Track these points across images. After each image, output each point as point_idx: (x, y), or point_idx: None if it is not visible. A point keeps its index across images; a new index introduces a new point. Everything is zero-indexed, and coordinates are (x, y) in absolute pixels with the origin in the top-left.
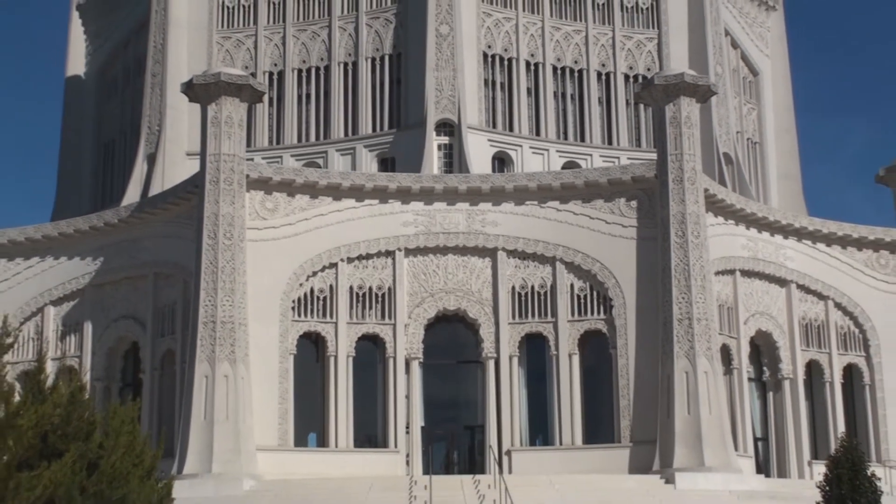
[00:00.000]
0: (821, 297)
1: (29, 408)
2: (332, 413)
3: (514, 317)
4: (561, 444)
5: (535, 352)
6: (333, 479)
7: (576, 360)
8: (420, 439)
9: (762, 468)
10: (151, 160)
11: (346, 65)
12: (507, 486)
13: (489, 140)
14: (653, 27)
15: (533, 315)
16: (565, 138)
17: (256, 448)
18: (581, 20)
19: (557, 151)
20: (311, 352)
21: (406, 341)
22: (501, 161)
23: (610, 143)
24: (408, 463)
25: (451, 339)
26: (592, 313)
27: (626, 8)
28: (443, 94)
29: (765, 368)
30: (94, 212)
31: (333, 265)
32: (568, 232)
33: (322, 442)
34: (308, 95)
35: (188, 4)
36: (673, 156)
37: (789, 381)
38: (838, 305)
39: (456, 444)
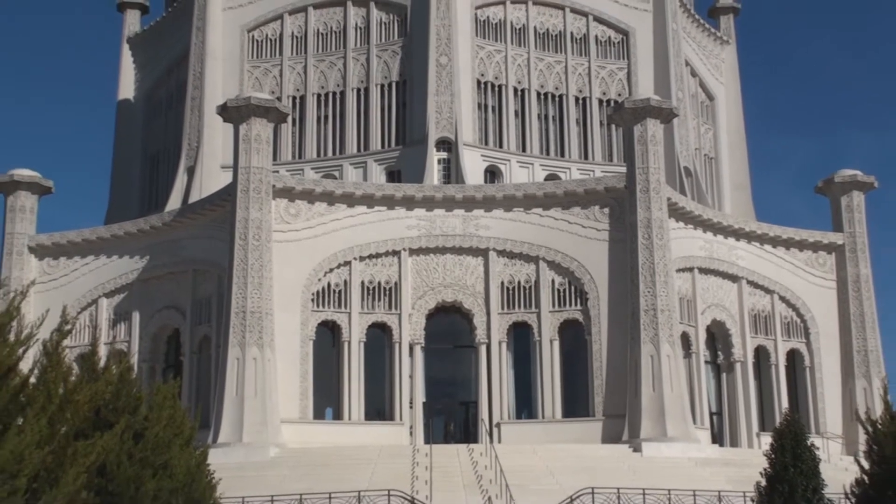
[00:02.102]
0: (767, 291)
1: (84, 385)
2: (346, 390)
3: (502, 308)
4: (543, 417)
5: (521, 338)
6: (347, 447)
7: (556, 345)
8: (422, 413)
9: (717, 438)
10: (191, 172)
11: (358, 90)
12: (497, 453)
13: (482, 155)
14: (623, 58)
15: (519, 306)
16: (547, 154)
17: (281, 420)
18: (561, 52)
19: (541, 165)
20: (328, 338)
21: (410, 329)
22: (492, 173)
23: (586, 158)
24: (411, 434)
25: (449, 327)
26: (570, 305)
27: (600, 42)
28: (442, 116)
29: (719, 353)
30: (141, 216)
31: (347, 263)
32: (550, 235)
33: (337, 415)
34: (326, 116)
35: (223, 38)
36: (640, 169)
37: (740, 364)
38: (783, 298)
39: (453, 417)
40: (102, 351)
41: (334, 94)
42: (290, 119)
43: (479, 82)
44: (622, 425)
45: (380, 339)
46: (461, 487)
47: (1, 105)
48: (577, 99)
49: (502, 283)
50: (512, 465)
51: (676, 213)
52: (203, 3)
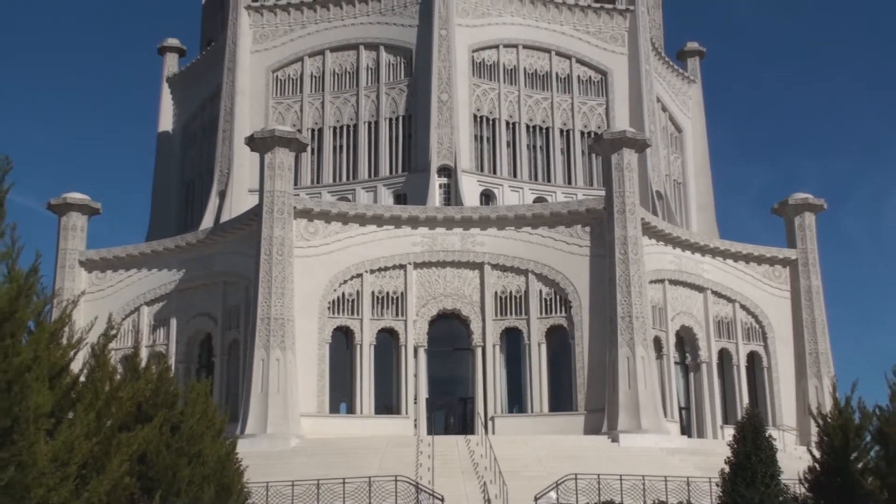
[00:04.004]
0: (730, 300)
1: (128, 383)
2: (358, 387)
3: (496, 315)
4: (532, 412)
5: (513, 341)
6: (359, 438)
7: (543, 347)
8: (425, 408)
9: (685, 431)
10: (222, 195)
11: (369, 123)
12: (491, 443)
13: (478, 180)
14: (602, 95)
15: (511, 313)
16: (536, 179)
17: (300, 414)
18: (548, 90)
19: (530, 189)
20: (342, 341)
21: (414, 333)
22: (487, 196)
23: (570, 183)
24: (416, 426)
25: (449, 332)
26: (556, 312)
27: (582, 81)
28: (443, 146)
29: (687, 354)
30: (178, 234)
31: (359, 275)
32: (538, 250)
33: (350, 409)
34: (341, 146)
35: (250, 78)
36: (617, 193)
37: (706, 365)
38: (743, 307)
39: (452, 411)
40: (144, 353)
41: (348, 126)
42: (309, 149)
43: (475, 116)
44: (602, 419)
45: (388, 343)
46: (460, 473)
47: (56, 135)
48: (561, 131)
49: (496, 293)
50: (504, 454)
51: (649, 231)
52: (233, 48)
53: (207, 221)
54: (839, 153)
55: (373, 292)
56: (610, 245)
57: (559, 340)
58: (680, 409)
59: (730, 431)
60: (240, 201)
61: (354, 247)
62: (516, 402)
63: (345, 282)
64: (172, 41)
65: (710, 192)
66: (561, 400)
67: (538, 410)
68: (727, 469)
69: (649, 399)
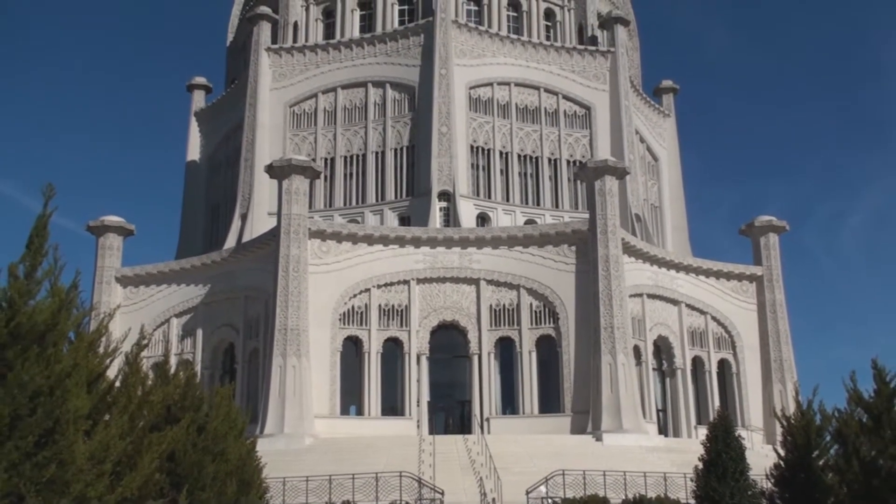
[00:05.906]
0: (702, 312)
1: (158, 388)
2: (366, 391)
3: (491, 325)
4: (524, 413)
5: (506, 349)
6: (367, 437)
7: (534, 355)
8: (427, 410)
9: (662, 430)
10: (244, 218)
11: (377, 153)
12: (487, 442)
13: (474, 204)
14: (586, 128)
15: (504, 324)
16: (527, 203)
17: (314, 416)
18: (537, 123)
19: (521, 212)
20: (352, 349)
21: (417, 342)
22: (483, 218)
23: (557, 206)
24: (418, 426)
25: (448, 341)
26: (545, 323)
27: (568, 115)
28: (443, 174)
29: (664, 361)
30: (204, 253)
31: (367, 290)
32: (528, 268)
33: (359, 411)
34: (351, 174)
35: (270, 112)
36: (600, 216)
37: (681, 371)
38: (714, 318)
39: (451, 413)
40: (173, 361)
41: (357, 156)
42: (322, 176)
43: (472, 147)
44: (586, 420)
45: (393, 351)
46: (458, 469)
47: (95, 163)
48: (549, 160)
49: (490, 306)
50: (499, 452)
51: (629, 250)
52: (254, 85)
53: (231, 241)
54: (801, 177)
55: (379, 305)
56: (593, 263)
57: (548, 349)
58: (657, 410)
59: (702, 431)
60: (260, 223)
61: (363, 264)
62: (509, 404)
63: (354, 296)
64: (200, 79)
65: (683, 214)
66: (550, 403)
67: (529, 412)
68: (700, 465)
69: (629, 402)
